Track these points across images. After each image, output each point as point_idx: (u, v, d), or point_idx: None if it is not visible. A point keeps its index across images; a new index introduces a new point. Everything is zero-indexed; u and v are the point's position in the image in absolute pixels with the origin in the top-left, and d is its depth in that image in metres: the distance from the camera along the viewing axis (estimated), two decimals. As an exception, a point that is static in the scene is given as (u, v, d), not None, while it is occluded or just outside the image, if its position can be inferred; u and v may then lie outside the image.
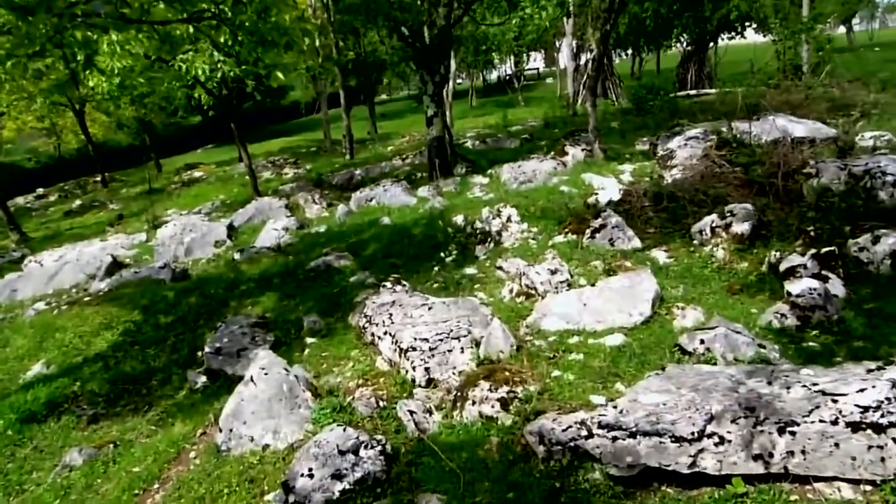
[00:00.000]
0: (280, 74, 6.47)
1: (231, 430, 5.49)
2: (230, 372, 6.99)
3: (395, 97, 66.53)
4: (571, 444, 4.29)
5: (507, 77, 62.86)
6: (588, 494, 4.11)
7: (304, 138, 38.37)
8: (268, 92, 44.42)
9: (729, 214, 7.59)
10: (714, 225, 7.62)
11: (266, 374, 5.77)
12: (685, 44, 38.27)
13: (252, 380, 5.75)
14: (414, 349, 5.83)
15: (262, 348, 7.17)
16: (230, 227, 13.71)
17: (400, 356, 5.94)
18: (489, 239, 9.06)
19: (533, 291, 7.01)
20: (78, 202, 26.72)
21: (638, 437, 4.03)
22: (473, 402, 5.12)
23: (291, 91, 51.55)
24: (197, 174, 29.52)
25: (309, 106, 58.20)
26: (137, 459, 6.01)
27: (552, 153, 15.38)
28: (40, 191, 32.95)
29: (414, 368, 5.73)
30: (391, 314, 6.55)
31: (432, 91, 15.40)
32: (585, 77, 37.08)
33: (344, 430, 4.89)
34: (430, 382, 5.67)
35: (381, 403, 5.51)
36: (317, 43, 27.69)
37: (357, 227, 11.74)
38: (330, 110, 59.16)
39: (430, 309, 6.49)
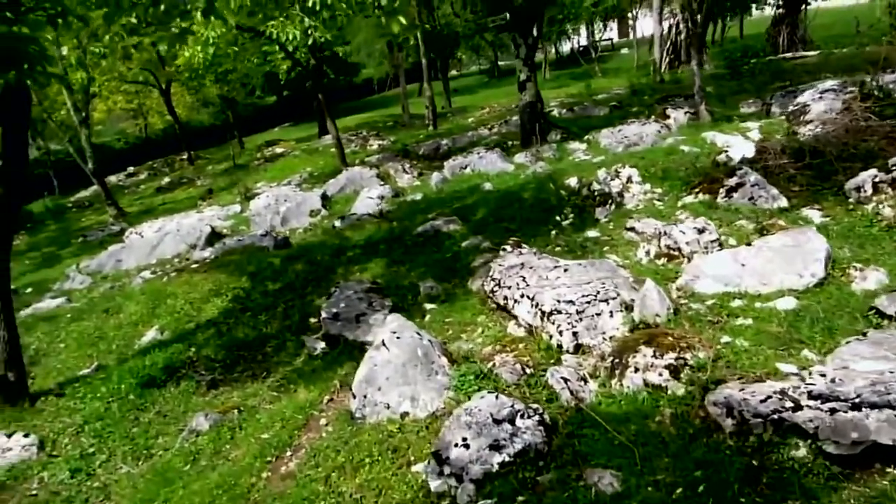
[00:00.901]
0: (402, 19, 5.97)
1: (365, 397, 5.17)
2: (350, 337, 6.69)
3: (464, 72, 65.77)
4: (774, 416, 3.73)
5: (581, 49, 61.03)
6: (797, 474, 3.55)
7: (379, 114, 38.22)
8: (341, 69, 44.48)
9: (895, 168, 6.73)
10: (877, 180, 6.78)
11: (398, 338, 5.42)
12: (775, 6, 36.12)
13: (384, 344, 5.40)
14: (559, 312, 5.34)
15: (380, 313, 6.85)
16: (324, 197, 13.54)
17: (542, 320, 5.47)
18: (609, 201, 8.45)
19: (676, 252, 6.40)
20: (167, 179, 27.39)
21: (864, 409, 3.43)
22: (636, 370, 4.60)
23: (364, 69, 51.64)
24: (279, 150, 29.83)
25: (381, 83, 58.30)
26: (264, 426, 5.79)
27: (652, 117, 14.55)
28: (131, 169, 34.09)
29: (560, 333, 5.25)
30: (524, 277, 6.07)
31: (525, 54, 14.74)
32: (669, 43, 35.70)
33: (496, 397, 4.47)
34: (579, 348, 5.18)
35: (526, 370, 5.06)
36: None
37: (457, 193, 11.31)
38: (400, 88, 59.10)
39: (565, 271, 5.98)
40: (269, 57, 20.04)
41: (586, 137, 14.10)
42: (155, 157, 36.50)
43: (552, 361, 5.15)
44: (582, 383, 4.77)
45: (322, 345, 6.81)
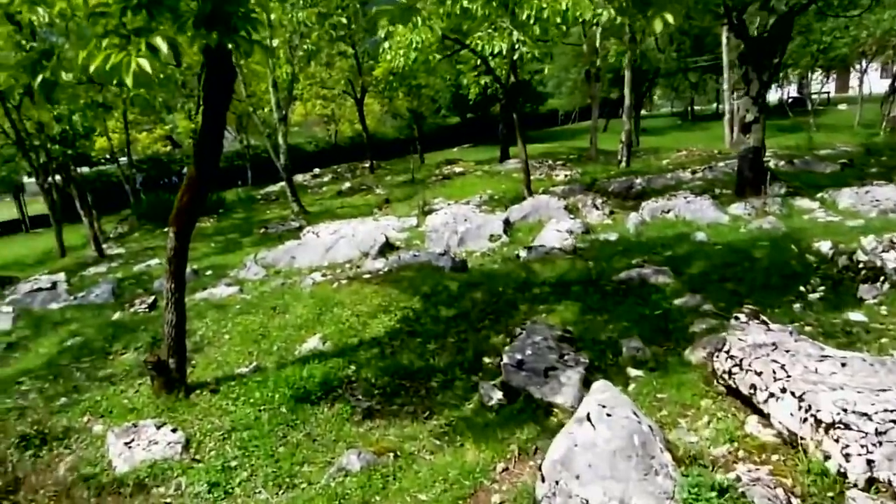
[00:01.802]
0: (669, 16, 4.77)
1: (557, 484, 3.99)
2: (536, 395, 5.54)
3: (654, 113, 63.13)
4: None
5: (791, 100, 56.54)
6: None
7: (562, 145, 37.17)
8: (528, 97, 44.15)
9: None
10: None
11: (608, 415, 4.19)
12: None
13: (589, 419, 4.20)
14: (845, 427, 3.83)
15: (574, 371, 5.65)
16: (506, 222, 12.61)
17: (815, 430, 3.98)
18: (882, 278, 6.64)
19: None
20: (348, 184, 28.13)
21: None
22: None
23: (550, 99, 51.21)
24: (457, 169, 29.79)
25: (565, 116, 57.51)
26: (423, 483, 4.80)
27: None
28: (316, 171, 35.77)
29: (846, 457, 3.74)
30: (781, 364, 4.59)
31: (756, 92, 12.93)
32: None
33: (761, 540, 3.10)
34: (873, 484, 3.65)
35: (792, 500, 3.62)
36: (597, 43, 26.32)
37: (661, 239, 9.85)
38: (585, 122, 57.86)
39: (843, 365, 4.43)
40: (461, 75, 19.76)
41: (819, 195, 12.01)
42: (339, 163, 38.21)
43: (830, 494, 3.66)
44: (887, 544, 3.26)
45: (499, 395, 5.73)
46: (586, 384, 5.41)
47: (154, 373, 6.54)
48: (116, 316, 10.00)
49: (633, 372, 5.73)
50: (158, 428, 6.13)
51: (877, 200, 10.66)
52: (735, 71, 30.80)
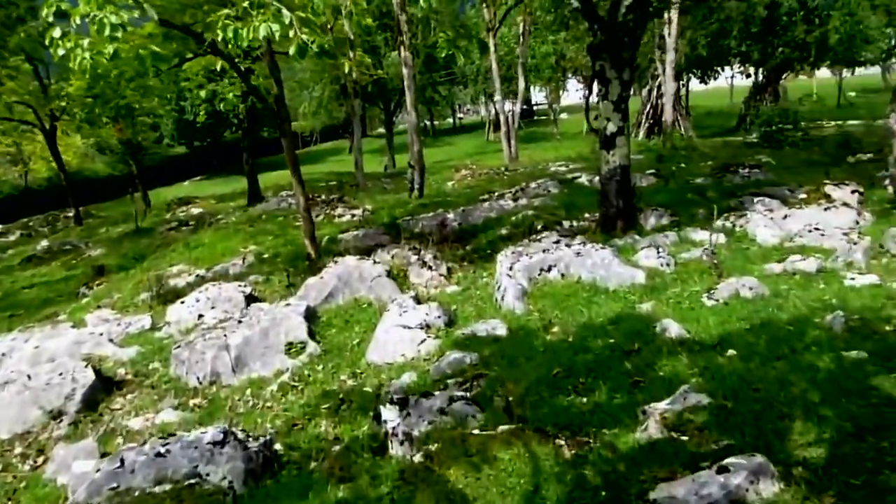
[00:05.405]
0: None
1: None
2: None
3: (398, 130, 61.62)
4: None
5: (523, 109, 58.66)
6: None
7: (314, 171, 32.50)
8: (264, 120, 38.58)
9: None
10: None
11: None
12: (755, 75, 34.47)
13: None
14: None
15: None
16: (308, 315, 7.72)
17: None
18: None
19: None
20: (44, 243, 20.50)
21: None
22: None
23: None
24: (195, 210, 23.71)
25: (310, 137, 53.03)
26: None
27: (802, 196, 9.95)
28: (-6, 228, 26.66)
29: None
30: None
31: (617, 95, 9.73)
32: (649, 107, 33.62)
33: None
34: None
35: None
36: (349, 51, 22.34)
37: (604, 337, 5.81)
38: (326, 143, 53.76)
39: None
40: (194, 91, 14.03)
41: (720, 224, 9.13)
42: (34, 213, 29.40)
43: None
44: None
45: None
46: None
47: None
48: None
49: None
50: None
51: (815, 227, 7.94)
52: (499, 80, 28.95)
